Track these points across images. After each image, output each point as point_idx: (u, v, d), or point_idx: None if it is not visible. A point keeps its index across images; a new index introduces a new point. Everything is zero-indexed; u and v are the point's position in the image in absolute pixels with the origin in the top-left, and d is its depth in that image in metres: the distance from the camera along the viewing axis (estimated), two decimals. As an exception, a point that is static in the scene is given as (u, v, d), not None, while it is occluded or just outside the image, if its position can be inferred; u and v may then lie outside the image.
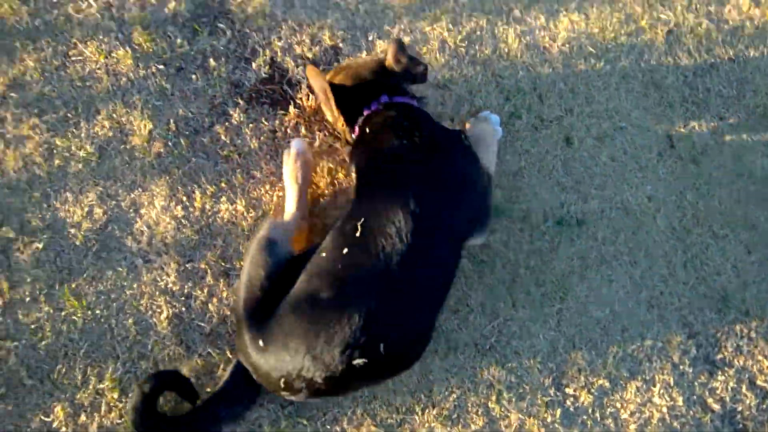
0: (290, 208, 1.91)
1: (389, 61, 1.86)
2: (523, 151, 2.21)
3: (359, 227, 1.63)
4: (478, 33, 2.32)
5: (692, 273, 2.18)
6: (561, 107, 2.28)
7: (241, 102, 2.11)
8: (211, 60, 2.14)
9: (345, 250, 1.63)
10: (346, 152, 2.05)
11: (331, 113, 1.90)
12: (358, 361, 1.56)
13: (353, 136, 1.90)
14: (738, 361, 2.13)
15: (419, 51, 2.26)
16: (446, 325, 2.01)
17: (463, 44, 2.30)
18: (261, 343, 1.62)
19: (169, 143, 2.04)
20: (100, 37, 2.10)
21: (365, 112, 1.85)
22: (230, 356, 1.87)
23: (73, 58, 2.08)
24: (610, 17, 2.41)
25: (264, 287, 1.68)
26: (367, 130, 1.81)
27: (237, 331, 1.74)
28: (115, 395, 1.83)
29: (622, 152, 2.27)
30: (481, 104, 2.23)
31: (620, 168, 2.25)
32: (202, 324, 1.91)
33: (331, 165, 2.09)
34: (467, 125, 2.10)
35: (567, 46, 2.35)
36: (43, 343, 1.84)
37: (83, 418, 1.81)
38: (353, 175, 1.81)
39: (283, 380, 1.61)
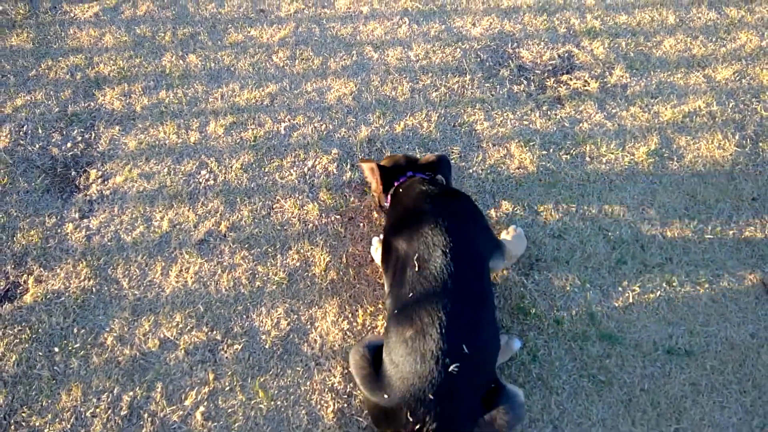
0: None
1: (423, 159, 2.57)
2: (630, 290, 2.59)
3: (416, 262, 2.08)
4: (585, 197, 2.86)
5: (803, 406, 2.35)
6: (661, 256, 2.68)
7: (395, 244, 2.68)
8: (374, 213, 2.77)
9: (410, 295, 2.03)
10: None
11: (376, 184, 2.54)
12: (452, 368, 1.88)
13: (386, 202, 2.50)
14: None
15: (537, 207, 2.80)
16: (571, 435, 2.27)
17: (573, 205, 2.82)
18: (385, 395, 1.97)
19: (341, 272, 2.61)
20: (296, 195, 2.82)
21: (395, 184, 2.49)
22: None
23: (276, 209, 2.78)
24: (702, 192, 2.89)
25: (365, 365, 2.09)
26: (400, 191, 2.44)
27: (365, 401, 2.14)
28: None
29: (721, 295, 2.59)
30: (590, 251, 2.68)
31: (721, 309, 2.55)
32: (360, 419, 2.28)
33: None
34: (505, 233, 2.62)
35: (662, 210, 2.81)
36: (236, 425, 2.27)
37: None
38: (386, 227, 2.36)
39: (408, 412, 1.89)
